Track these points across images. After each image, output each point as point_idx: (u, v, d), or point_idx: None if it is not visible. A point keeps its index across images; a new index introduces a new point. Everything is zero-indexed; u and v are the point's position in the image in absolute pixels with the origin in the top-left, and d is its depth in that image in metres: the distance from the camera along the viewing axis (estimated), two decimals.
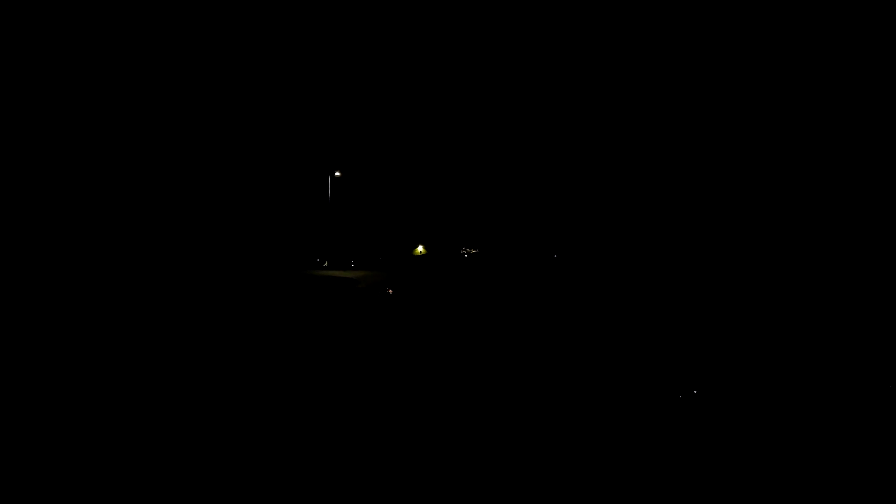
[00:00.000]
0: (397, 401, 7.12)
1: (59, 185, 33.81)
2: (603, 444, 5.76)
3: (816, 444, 5.70)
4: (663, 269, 36.26)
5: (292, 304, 17.62)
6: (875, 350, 10.23)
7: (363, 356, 9.85)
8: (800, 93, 40.43)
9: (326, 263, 44.70)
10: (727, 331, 12.71)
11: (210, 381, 8.05)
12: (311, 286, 24.28)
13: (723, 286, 24.31)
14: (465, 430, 6.15)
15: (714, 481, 4.95)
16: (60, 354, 9.57)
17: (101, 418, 6.35)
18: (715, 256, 41.19)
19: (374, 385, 7.84)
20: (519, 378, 8.49)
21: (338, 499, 4.49)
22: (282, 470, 5.16)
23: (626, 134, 52.34)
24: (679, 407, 6.91)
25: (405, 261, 56.18)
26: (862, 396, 7.43)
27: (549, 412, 6.72)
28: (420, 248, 67.91)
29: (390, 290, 20.94)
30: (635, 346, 10.82)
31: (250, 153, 45.92)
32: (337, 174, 48.00)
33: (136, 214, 37.30)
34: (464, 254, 69.07)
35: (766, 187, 42.01)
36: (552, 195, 61.42)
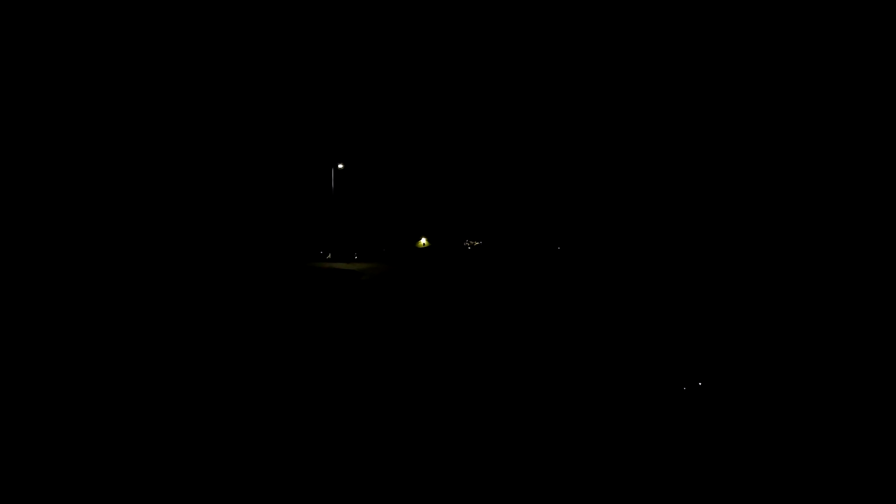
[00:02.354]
0: (396, 394, 7.08)
1: (65, 172, 33.83)
2: (604, 436, 5.70)
3: (821, 439, 5.64)
4: (667, 261, 36.15)
5: (294, 297, 17.59)
6: (877, 341, 10.13)
7: (363, 349, 9.81)
8: (799, 91, 40.19)
9: (330, 255, 44.73)
10: (732, 321, 12.62)
11: (208, 373, 8.02)
12: (313, 278, 24.27)
13: (726, 276, 24.24)
14: (463, 423, 6.10)
15: (718, 475, 4.89)
16: (55, 343, 9.55)
17: (95, 411, 6.32)
18: (718, 247, 41.07)
19: (374, 379, 7.81)
20: (519, 368, 8.44)
21: (336, 496, 4.44)
22: (276, 459, 5.12)
23: (629, 127, 52.10)
24: (683, 399, 6.85)
25: (408, 253, 56.21)
26: (866, 388, 7.35)
27: (549, 404, 6.67)
28: (423, 241, 67.97)
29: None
30: (639, 336, 10.75)
31: (255, 146, 45.88)
32: (340, 166, 47.92)
33: (141, 208, 37.35)
34: (467, 246, 69.14)
35: (768, 175, 41.82)
36: (556, 188, 61.28)
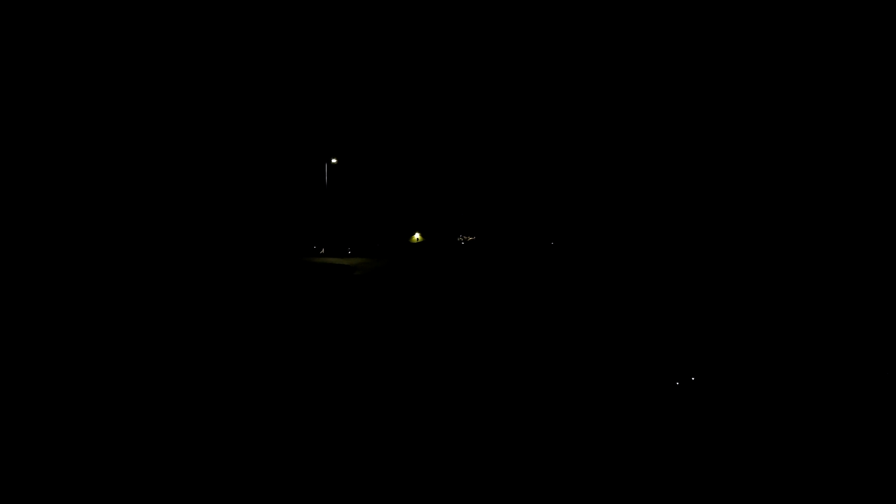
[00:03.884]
0: (393, 392, 7.09)
1: (56, 170, 33.57)
2: (597, 432, 5.73)
3: (816, 437, 5.68)
4: (660, 256, 36.26)
5: (288, 292, 17.54)
6: (876, 337, 10.21)
7: (359, 346, 9.80)
8: (799, 90, 40.30)
9: (323, 250, 44.61)
10: (726, 316, 12.69)
11: (203, 367, 8.00)
12: (307, 273, 24.23)
13: (720, 272, 24.35)
14: (459, 418, 6.11)
15: (712, 472, 4.93)
16: (53, 341, 9.49)
17: (90, 407, 6.29)
18: (712, 242, 41.20)
19: (370, 377, 7.80)
20: (514, 366, 8.46)
21: (336, 497, 4.45)
22: (274, 457, 5.12)
23: (623, 123, 52.18)
24: (676, 394, 6.89)
25: (402, 248, 56.17)
26: (863, 385, 7.41)
27: (543, 401, 6.69)
28: (417, 236, 67.93)
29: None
30: (632, 332, 10.79)
31: (247, 141, 45.67)
32: (333, 161, 47.77)
33: (132, 202, 37.11)
34: (461, 241, 69.13)
35: (761, 171, 41.96)
36: (549, 183, 61.37)
